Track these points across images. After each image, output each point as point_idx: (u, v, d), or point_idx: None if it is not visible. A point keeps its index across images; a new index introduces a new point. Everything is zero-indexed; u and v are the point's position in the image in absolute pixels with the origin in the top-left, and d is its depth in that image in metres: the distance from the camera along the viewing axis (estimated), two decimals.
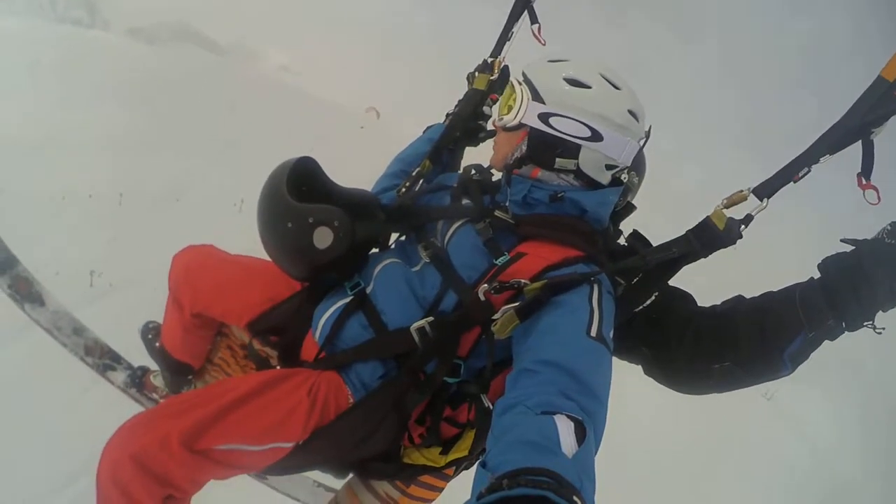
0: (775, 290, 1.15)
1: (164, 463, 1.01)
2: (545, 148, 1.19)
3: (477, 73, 1.64)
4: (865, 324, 1.02)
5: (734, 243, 1.12)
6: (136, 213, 3.61)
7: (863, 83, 1.04)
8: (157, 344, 1.62)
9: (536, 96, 1.19)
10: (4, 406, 2.15)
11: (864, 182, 1.06)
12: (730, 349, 1.13)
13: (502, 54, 1.65)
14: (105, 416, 1.18)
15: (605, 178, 1.22)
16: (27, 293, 1.97)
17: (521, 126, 1.21)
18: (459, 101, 1.66)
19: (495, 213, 1.23)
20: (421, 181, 1.52)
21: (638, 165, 1.41)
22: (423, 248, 1.28)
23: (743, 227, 1.12)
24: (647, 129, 1.25)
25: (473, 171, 1.37)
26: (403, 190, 1.49)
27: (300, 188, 1.24)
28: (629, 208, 1.37)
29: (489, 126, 1.63)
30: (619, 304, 1.15)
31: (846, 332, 1.06)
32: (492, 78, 1.62)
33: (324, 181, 1.32)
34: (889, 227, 1.05)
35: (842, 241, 1.08)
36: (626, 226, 1.37)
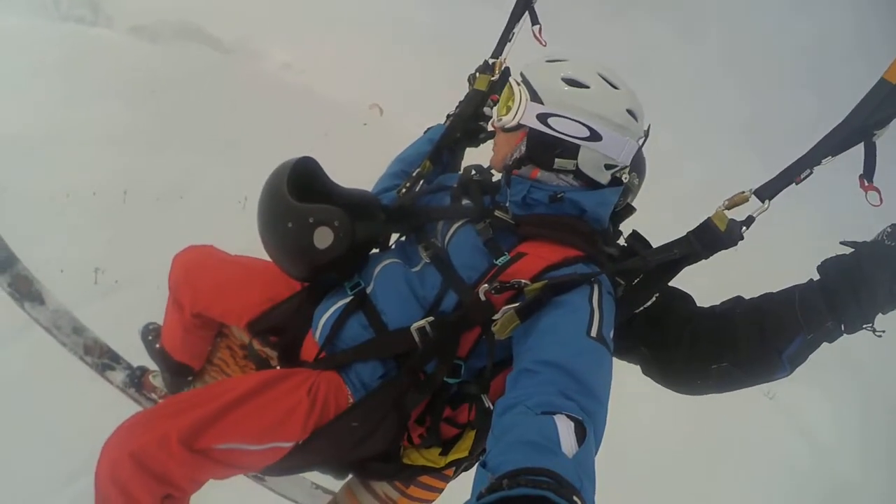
0: (775, 291, 1.15)
1: (163, 462, 1.02)
2: (544, 148, 1.19)
3: (478, 74, 1.64)
4: (865, 326, 1.02)
5: (735, 245, 1.12)
6: (140, 211, 3.59)
7: (864, 83, 1.04)
8: (158, 345, 1.62)
9: (535, 97, 1.19)
10: (4, 406, 2.14)
11: (866, 184, 1.06)
12: (728, 350, 1.13)
13: (503, 55, 1.65)
14: (105, 416, 1.18)
15: (604, 177, 1.22)
16: (27, 292, 1.97)
17: (519, 127, 1.21)
18: (460, 102, 1.66)
19: (495, 214, 1.23)
20: (421, 182, 1.52)
21: (638, 166, 1.42)
22: (424, 248, 1.28)
23: (744, 228, 1.12)
24: (646, 129, 1.25)
25: (474, 172, 1.37)
26: (404, 190, 1.49)
27: (300, 188, 1.24)
28: (629, 209, 1.37)
29: (489, 127, 1.63)
30: (620, 304, 1.15)
31: (844, 335, 1.06)
32: (493, 79, 1.62)
33: (324, 181, 1.32)
34: (889, 229, 1.05)
35: (841, 243, 1.08)
36: (626, 223, 1.37)
